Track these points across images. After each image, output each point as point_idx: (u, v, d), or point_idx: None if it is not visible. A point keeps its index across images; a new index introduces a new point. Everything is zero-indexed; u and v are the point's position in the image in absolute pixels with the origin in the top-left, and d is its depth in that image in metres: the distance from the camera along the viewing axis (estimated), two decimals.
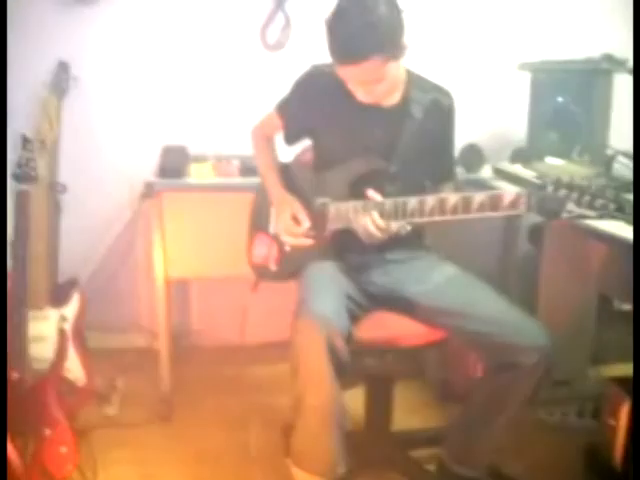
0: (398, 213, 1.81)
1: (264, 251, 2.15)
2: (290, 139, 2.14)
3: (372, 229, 1.82)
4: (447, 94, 2.06)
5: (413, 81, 2.00)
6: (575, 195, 1.58)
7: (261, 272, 2.18)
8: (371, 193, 1.86)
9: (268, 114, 2.18)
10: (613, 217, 1.79)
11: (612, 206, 1.57)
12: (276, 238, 2.12)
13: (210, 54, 2.87)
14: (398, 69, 1.87)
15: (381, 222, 1.81)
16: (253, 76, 2.88)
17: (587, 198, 1.57)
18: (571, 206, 1.59)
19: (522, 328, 1.79)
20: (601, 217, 1.60)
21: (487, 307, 1.85)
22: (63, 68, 2.66)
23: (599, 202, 1.57)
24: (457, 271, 1.99)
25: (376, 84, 1.81)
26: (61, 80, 2.62)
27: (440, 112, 2.03)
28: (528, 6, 3.03)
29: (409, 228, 1.86)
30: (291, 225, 2.02)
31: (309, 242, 2.01)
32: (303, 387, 1.73)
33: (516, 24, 3.03)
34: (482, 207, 1.69)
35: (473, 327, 1.82)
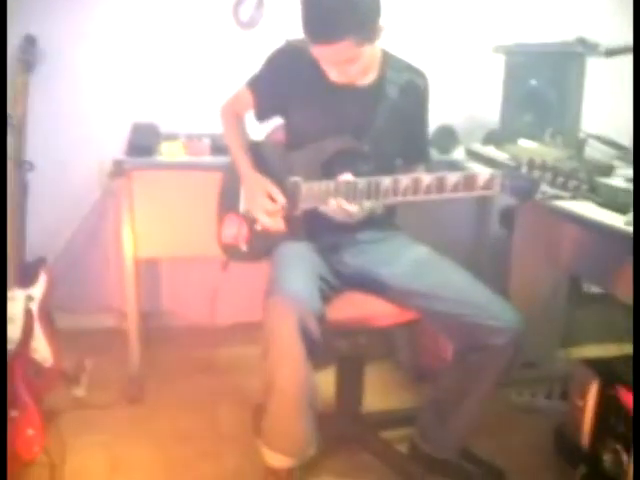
0: (371, 193, 1.79)
1: (234, 231, 2.12)
2: (261, 116, 2.10)
3: (340, 214, 1.82)
4: (422, 75, 2.05)
5: (388, 61, 1.99)
6: (548, 176, 1.59)
7: (231, 252, 2.15)
8: (344, 176, 1.84)
9: (239, 90, 2.14)
10: (586, 198, 1.81)
11: (585, 187, 1.58)
12: (246, 217, 2.09)
13: (182, 31, 2.81)
14: (373, 50, 1.86)
15: (349, 207, 1.80)
16: (226, 54, 2.83)
17: (560, 179, 1.58)
18: (544, 187, 1.60)
19: (493, 309, 1.80)
20: (574, 198, 1.61)
21: (458, 288, 1.85)
22: (30, 42, 2.59)
23: (572, 183, 1.58)
24: (428, 252, 1.99)
25: (350, 65, 1.79)
26: (28, 54, 2.56)
27: (414, 92, 2.02)
28: None
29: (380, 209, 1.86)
30: (267, 203, 1.99)
31: (282, 227, 1.99)
32: (274, 367, 1.72)
33: (491, 7, 3.02)
34: (456, 187, 1.69)
35: (444, 308, 1.82)
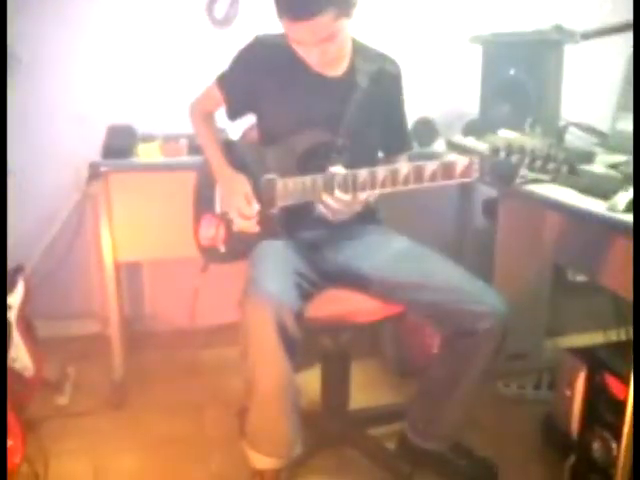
0: (348, 186, 1.76)
1: (211, 232, 2.07)
2: (232, 114, 2.05)
3: (336, 206, 1.79)
4: (393, 62, 2.03)
5: (358, 50, 1.96)
6: (527, 160, 1.58)
7: (209, 254, 2.12)
8: (333, 168, 1.80)
9: (207, 87, 2.09)
10: (565, 180, 1.80)
11: (564, 168, 1.57)
12: (223, 218, 2.05)
13: (157, 30, 2.77)
14: (348, 30, 1.82)
15: (347, 197, 1.77)
16: (201, 53, 2.80)
17: (539, 162, 1.57)
18: (524, 171, 1.59)
19: (479, 294, 1.78)
20: (554, 180, 1.60)
21: (443, 276, 1.83)
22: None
23: (551, 165, 1.57)
24: (410, 243, 1.97)
25: (330, 43, 1.75)
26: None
27: (387, 80, 1.99)
28: None
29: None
30: (243, 205, 1.94)
31: (256, 229, 1.95)
32: (254, 368, 1.70)
33: None
34: (435, 176, 1.67)
35: (429, 298, 1.80)
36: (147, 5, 2.76)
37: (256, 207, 1.94)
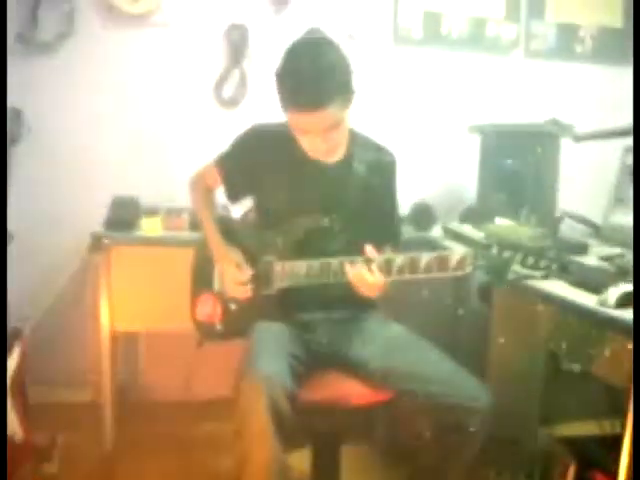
0: (344, 274, 1.80)
1: (208, 309, 2.11)
2: (231, 196, 2.11)
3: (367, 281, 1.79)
4: (389, 154, 2.07)
5: (355, 139, 2.01)
6: (519, 256, 1.61)
7: (206, 331, 2.14)
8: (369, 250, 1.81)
9: (207, 166, 2.15)
10: (557, 277, 1.83)
11: (555, 266, 1.60)
12: (220, 296, 2.09)
13: (165, 106, 2.88)
14: (348, 117, 1.86)
15: (378, 277, 1.77)
16: (208, 131, 2.88)
17: (531, 259, 1.61)
18: (516, 267, 1.62)
19: (468, 390, 1.78)
20: (546, 277, 1.63)
21: (434, 368, 1.83)
22: (15, 115, 2.63)
23: (543, 262, 1.61)
24: (403, 331, 1.98)
25: (334, 132, 1.80)
26: (13, 128, 2.59)
27: (382, 171, 2.04)
28: (479, 73, 3.13)
29: None
30: (236, 273, 1.99)
31: (249, 294, 1.99)
32: (246, 448, 1.69)
33: (466, 88, 3.11)
34: (429, 268, 1.71)
35: (419, 388, 1.80)
36: (157, 80, 2.86)
37: (249, 273, 1.99)
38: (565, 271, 1.75)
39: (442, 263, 1.69)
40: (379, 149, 2.06)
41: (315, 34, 1.85)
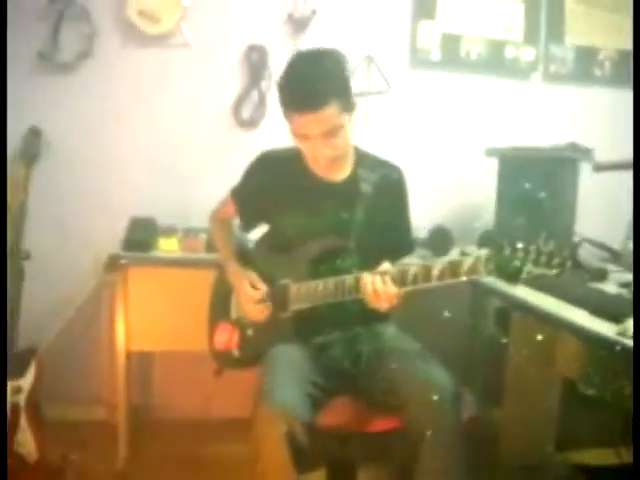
0: (357, 289, 1.80)
1: (225, 337, 2.12)
2: (246, 226, 2.17)
3: (382, 293, 1.77)
4: (396, 169, 2.09)
5: (361, 159, 2.04)
6: (532, 256, 1.60)
7: (223, 359, 2.15)
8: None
9: (224, 198, 2.21)
10: (571, 274, 1.80)
11: (569, 263, 1.59)
12: (237, 323, 2.10)
13: (184, 128, 2.89)
14: (351, 127, 1.90)
15: (392, 288, 1.77)
16: (226, 152, 2.89)
17: (544, 258, 1.59)
18: (529, 267, 1.61)
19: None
20: (559, 275, 1.61)
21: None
22: (35, 134, 2.66)
23: (556, 260, 1.59)
24: (418, 349, 1.98)
25: (335, 137, 1.84)
26: (32, 146, 2.62)
27: (390, 187, 2.05)
28: (497, 95, 3.13)
29: None
30: (252, 291, 2.02)
31: (265, 315, 2.00)
32: (262, 475, 1.69)
33: (484, 111, 3.11)
34: (442, 275, 1.70)
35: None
36: (176, 100, 2.88)
37: (264, 289, 2.01)
38: (578, 267, 1.73)
39: (455, 269, 1.68)
40: (385, 166, 2.08)
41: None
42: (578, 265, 1.64)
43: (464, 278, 1.69)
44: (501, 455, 2.47)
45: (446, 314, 2.61)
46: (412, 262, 1.83)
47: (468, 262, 1.68)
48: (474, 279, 1.71)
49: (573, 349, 2.43)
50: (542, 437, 2.61)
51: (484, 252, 1.67)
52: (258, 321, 2.03)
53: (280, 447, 1.63)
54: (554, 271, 1.60)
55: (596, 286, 2.14)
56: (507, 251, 1.62)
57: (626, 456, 2.37)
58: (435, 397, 1.75)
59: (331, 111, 1.79)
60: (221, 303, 2.17)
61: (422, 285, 1.73)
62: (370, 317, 1.96)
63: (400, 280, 1.75)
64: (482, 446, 2.48)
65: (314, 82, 1.79)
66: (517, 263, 1.61)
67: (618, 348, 1.68)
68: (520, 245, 1.61)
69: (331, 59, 1.86)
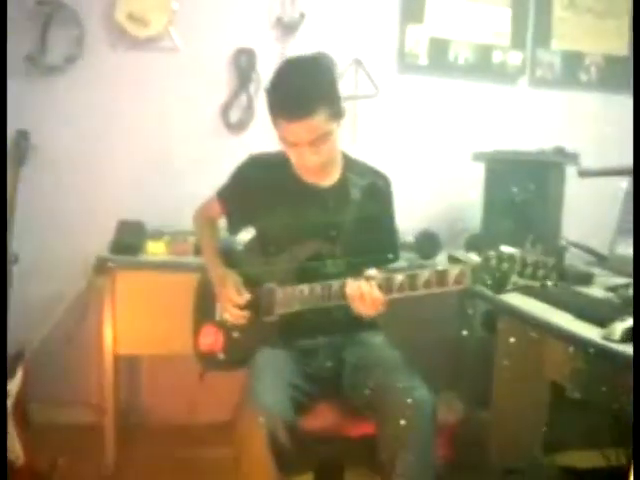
0: (343, 294, 1.81)
1: (210, 339, 2.11)
2: (232, 228, 2.16)
3: (367, 297, 1.78)
4: (383, 177, 2.10)
5: (349, 164, 2.06)
6: (517, 267, 1.62)
7: (208, 361, 2.14)
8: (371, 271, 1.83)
9: (210, 198, 2.20)
10: (555, 286, 1.82)
11: (554, 275, 1.61)
12: (222, 325, 2.09)
13: (172, 131, 2.89)
14: (338, 135, 1.91)
15: (378, 294, 1.77)
16: (215, 155, 2.88)
17: (529, 269, 1.61)
18: (515, 278, 1.62)
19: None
20: (544, 287, 1.63)
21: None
22: (23, 136, 2.66)
23: (541, 272, 1.61)
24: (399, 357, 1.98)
25: (323, 144, 1.84)
26: (20, 148, 2.61)
27: (377, 195, 2.07)
28: (484, 100, 3.15)
29: None
30: (234, 295, 2.01)
31: (245, 319, 2.00)
32: (245, 476, 1.70)
33: (471, 115, 3.13)
34: (428, 284, 1.71)
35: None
36: (164, 103, 2.87)
37: (247, 296, 2.00)
38: (563, 279, 1.75)
39: (441, 278, 1.70)
40: (373, 173, 2.09)
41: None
42: (563, 276, 1.66)
43: (450, 287, 1.71)
44: (489, 458, 2.48)
45: (428, 322, 2.62)
46: (399, 269, 1.84)
47: (454, 272, 1.69)
48: (459, 289, 1.72)
49: (560, 352, 2.44)
50: (530, 440, 2.61)
51: (470, 261, 1.69)
52: (242, 324, 2.03)
53: (262, 449, 1.63)
54: (538, 283, 1.63)
55: (582, 290, 2.15)
56: (493, 261, 1.64)
57: (613, 458, 2.39)
58: (412, 412, 1.74)
59: (319, 119, 1.80)
60: (206, 304, 2.16)
61: (408, 293, 1.74)
62: (356, 325, 1.97)
63: (386, 287, 1.76)
64: (470, 449, 2.50)
65: (303, 90, 1.80)
66: (502, 274, 1.63)
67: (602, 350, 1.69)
68: (506, 252, 1.62)
69: (320, 66, 1.87)
